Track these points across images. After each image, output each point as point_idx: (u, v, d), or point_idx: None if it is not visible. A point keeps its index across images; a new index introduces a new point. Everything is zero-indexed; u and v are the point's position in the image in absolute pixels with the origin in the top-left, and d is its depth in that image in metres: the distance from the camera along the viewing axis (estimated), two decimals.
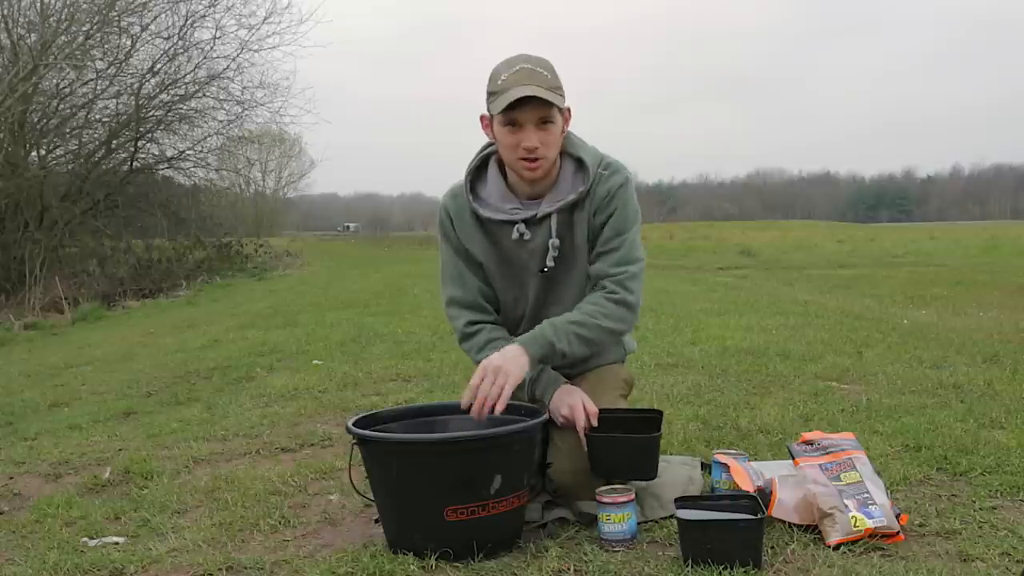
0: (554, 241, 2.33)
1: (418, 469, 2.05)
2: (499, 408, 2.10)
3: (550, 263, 2.35)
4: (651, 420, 2.32)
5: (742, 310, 7.55)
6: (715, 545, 1.94)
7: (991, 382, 3.93)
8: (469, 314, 2.42)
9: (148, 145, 19.33)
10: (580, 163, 2.34)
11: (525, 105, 2.18)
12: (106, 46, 16.84)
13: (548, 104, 2.19)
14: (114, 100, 18.04)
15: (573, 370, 2.48)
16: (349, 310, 8.99)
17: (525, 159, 2.24)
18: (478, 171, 2.41)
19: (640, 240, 2.38)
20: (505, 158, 2.30)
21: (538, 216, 2.32)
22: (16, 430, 4.02)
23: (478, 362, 2.30)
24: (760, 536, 1.97)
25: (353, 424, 2.18)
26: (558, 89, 2.22)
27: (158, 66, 17.87)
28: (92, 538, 2.33)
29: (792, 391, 3.92)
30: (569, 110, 2.30)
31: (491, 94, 2.23)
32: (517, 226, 2.34)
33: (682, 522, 1.99)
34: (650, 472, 2.23)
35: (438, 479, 2.03)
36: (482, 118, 2.33)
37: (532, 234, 2.34)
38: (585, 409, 2.22)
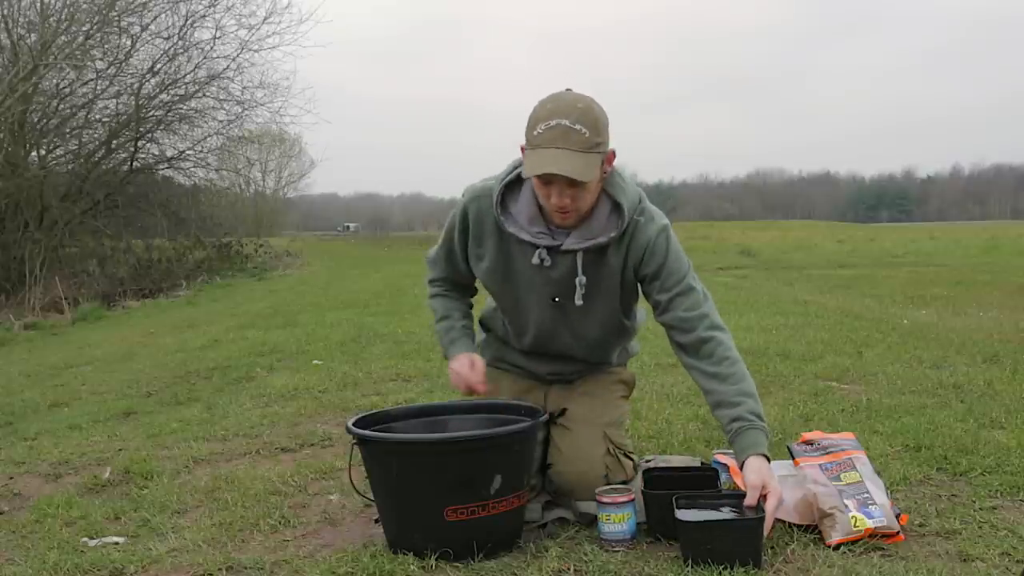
0: (581, 279, 2.25)
1: (418, 469, 2.05)
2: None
3: (579, 301, 2.28)
4: (707, 476, 2.29)
5: (742, 310, 7.54)
6: (715, 545, 1.94)
7: (991, 382, 3.94)
8: (445, 283, 2.54)
9: (148, 145, 19.33)
10: (617, 205, 2.23)
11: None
12: (106, 46, 16.84)
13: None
14: (114, 100, 18.05)
15: (575, 374, 2.48)
16: (349, 310, 8.99)
17: (558, 211, 2.17)
18: (511, 183, 2.29)
19: (697, 278, 2.31)
20: (541, 200, 2.21)
21: (562, 248, 2.24)
22: (16, 430, 4.02)
23: (444, 350, 2.52)
24: (760, 536, 1.97)
25: (354, 424, 2.18)
26: (596, 148, 2.09)
27: (158, 66, 17.87)
28: (92, 538, 2.33)
29: (792, 391, 3.92)
30: (613, 152, 2.18)
31: (528, 140, 2.13)
32: (539, 251, 2.25)
33: (682, 522, 1.99)
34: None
35: (438, 479, 2.03)
36: (522, 148, 2.21)
37: (553, 262, 2.27)
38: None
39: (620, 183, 2.25)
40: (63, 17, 15.33)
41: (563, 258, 2.26)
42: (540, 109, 2.12)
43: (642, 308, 2.50)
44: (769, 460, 2.11)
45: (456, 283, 2.52)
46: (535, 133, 2.09)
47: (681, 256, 2.29)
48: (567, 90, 2.16)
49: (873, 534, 2.06)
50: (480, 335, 2.66)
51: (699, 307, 2.26)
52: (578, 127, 2.07)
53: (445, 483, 2.03)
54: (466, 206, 2.33)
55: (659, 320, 2.31)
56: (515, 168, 2.28)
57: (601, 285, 2.29)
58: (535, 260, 2.26)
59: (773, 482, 2.06)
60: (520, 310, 2.38)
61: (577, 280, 2.26)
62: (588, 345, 2.42)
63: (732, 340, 2.27)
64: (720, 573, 1.91)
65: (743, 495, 2.16)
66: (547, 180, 2.11)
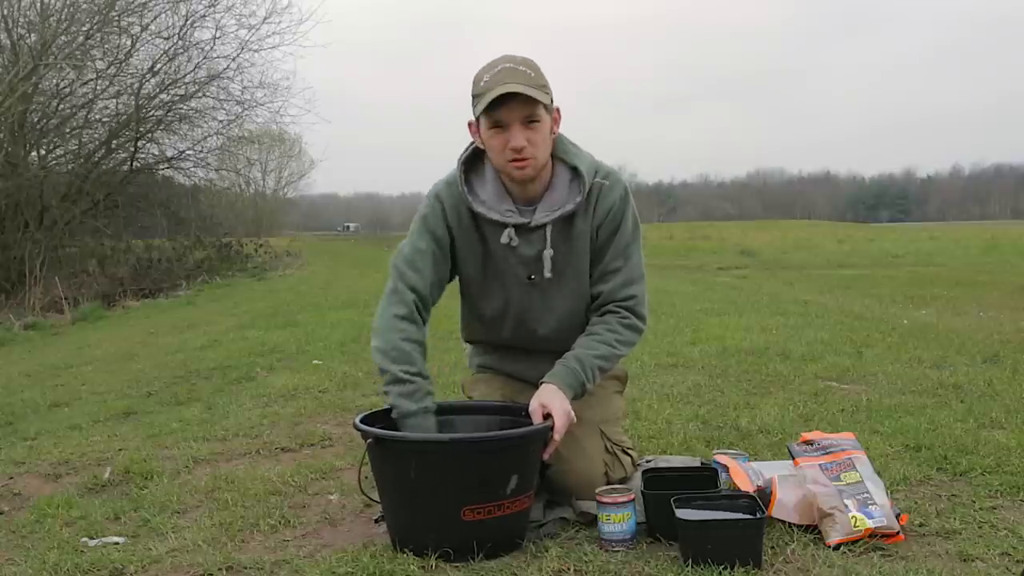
0: (548, 252, 2.28)
1: (440, 469, 2.05)
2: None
3: (548, 274, 2.30)
4: (707, 476, 2.30)
5: (742, 310, 7.55)
6: (715, 545, 1.94)
7: (991, 382, 3.94)
8: (410, 295, 2.28)
9: (148, 145, 19.34)
10: (575, 171, 2.28)
11: (508, 103, 2.13)
12: (106, 46, 16.86)
13: (532, 101, 2.14)
14: (114, 100, 18.06)
15: None
16: (349, 310, 8.99)
17: (513, 160, 2.19)
18: (473, 162, 2.33)
19: (641, 253, 2.37)
20: (494, 161, 2.26)
21: (532, 224, 2.27)
22: (16, 430, 4.01)
23: (382, 370, 2.24)
24: (760, 536, 1.98)
25: (360, 422, 2.17)
26: (543, 87, 2.18)
27: (158, 66, 17.89)
28: (92, 538, 2.33)
29: (792, 391, 3.92)
30: (558, 110, 2.25)
31: (474, 97, 2.20)
32: (508, 231, 2.28)
33: (682, 522, 1.99)
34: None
35: (460, 479, 2.04)
36: (470, 124, 2.29)
37: (522, 241, 2.29)
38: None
39: (572, 149, 2.32)
40: (63, 17, 15.34)
41: (533, 235, 2.29)
42: (480, 69, 2.21)
43: None
44: (566, 394, 2.19)
45: (424, 299, 2.31)
46: (482, 83, 2.17)
47: (635, 224, 2.35)
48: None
49: (873, 534, 2.06)
50: (465, 347, 2.69)
51: (630, 285, 2.33)
52: (522, 68, 2.18)
53: (466, 483, 2.04)
54: (439, 194, 2.34)
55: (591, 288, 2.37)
56: (470, 145, 2.33)
57: (572, 256, 2.32)
58: (503, 240, 2.29)
59: (555, 404, 2.15)
60: (499, 295, 2.39)
61: (545, 253, 2.29)
62: (569, 326, 2.39)
63: (637, 331, 2.35)
64: (720, 573, 1.91)
65: (743, 495, 2.17)
66: (501, 123, 2.17)
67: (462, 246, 2.35)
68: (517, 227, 2.28)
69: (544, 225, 2.27)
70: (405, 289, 2.30)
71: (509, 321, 2.43)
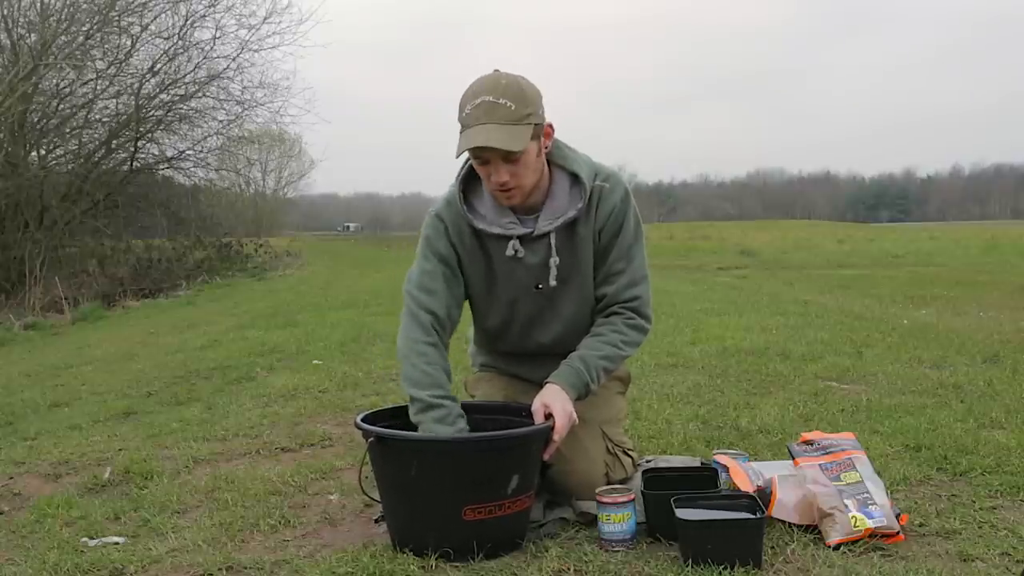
0: (555, 260, 2.28)
1: (441, 468, 2.05)
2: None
3: (553, 282, 2.30)
4: (707, 476, 2.30)
5: (742, 310, 7.55)
6: (715, 545, 1.94)
7: (991, 382, 3.94)
8: (426, 317, 2.26)
9: (148, 145, 19.35)
10: (575, 177, 2.27)
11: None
12: (106, 46, 16.87)
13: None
14: (114, 100, 18.07)
15: None
16: (349, 310, 9.00)
17: (499, 190, 2.19)
18: (469, 180, 2.32)
19: (644, 253, 2.37)
20: (485, 187, 2.25)
21: (535, 233, 2.26)
22: (16, 430, 4.01)
23: (412, 398, 2.20)
24: (760, 536, 1.98)
25: (360, 421, 2.18)
26: (524, 119, 2.10)
27: (158, 66, 17.89)
28: (92, 538, 2.33)
29: (792, 391, 3.92)
30: (551, 125, 2.21)
31: (459, 122, 2.16)
32: (512, 242, 2.27)
33: (682, 522, 1.99)
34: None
35: (461, 478, 2.04)
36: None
37: (527, 251, 2.28)
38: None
39: (570, 154, 2.29)
40: (63, 17, 15.35)
41: (537, 244, 2.28)
42: (467, 91, 2.16)
43: None
44: (569, 395, 2.19)
45: (442, 320, 2.29)
46: (464, 114, 2.13)
47: (637, 225, 2.34)
48: (495, 71, 2.19)
49: (873, 534, 2.06)
50: (470, 346, 2.70)
51: (634, 287, 2.32)
52: (503, 101, 2.09)
53: (467, 482, 2.04)
54: (440, 214, 2.33)
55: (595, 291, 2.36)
56: (467, 161, 2.31)
57: (577, 262, 2.31)
58: (509, 252, 2.28)
59: (557, 405, 2.15)
60: (505, 307, 2.38)
61: (551, 261, 2.28)
62: (574, 331, 2.38)
63: (642, 331, 2.34)
64: (720, 573, 1.91)
65: (743, 495, 2.17)
66: (483, 159, 2.15)
67: (467, 263, 2.34)
68: (521, 238, 2.27)
69: (548, 233, 2.26)
70: (420, 311, 2.28)
71: (515, 330, 2.43)
